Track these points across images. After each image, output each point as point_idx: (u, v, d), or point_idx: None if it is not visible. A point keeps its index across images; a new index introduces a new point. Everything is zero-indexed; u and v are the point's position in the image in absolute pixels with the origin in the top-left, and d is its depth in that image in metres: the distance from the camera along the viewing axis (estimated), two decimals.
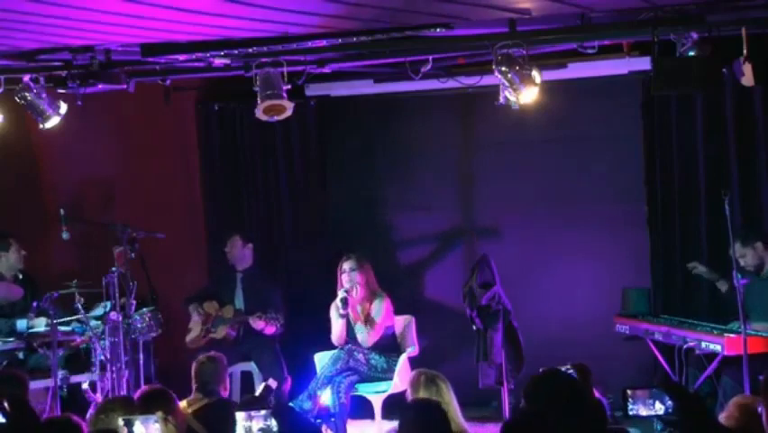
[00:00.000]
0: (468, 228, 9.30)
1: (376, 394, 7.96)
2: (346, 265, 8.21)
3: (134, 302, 7.65)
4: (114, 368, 7.56)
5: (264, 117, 7.34)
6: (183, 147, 9.65)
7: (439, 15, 6.28)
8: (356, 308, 8.17)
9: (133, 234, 7.73)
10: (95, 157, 9.65)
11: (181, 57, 7.05)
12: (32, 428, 4.43)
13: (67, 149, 9.33)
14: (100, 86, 7.13)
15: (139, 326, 7.83)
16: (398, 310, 8.42)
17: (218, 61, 7.19)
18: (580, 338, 8.40)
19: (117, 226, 7.78)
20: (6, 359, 7.68)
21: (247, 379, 8.65)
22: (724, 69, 7.17)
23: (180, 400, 5.54)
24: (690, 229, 8.41)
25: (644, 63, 7.86)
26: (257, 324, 8.32)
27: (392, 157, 9.42)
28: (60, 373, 7.54)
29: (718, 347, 7.20)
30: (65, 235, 7.65)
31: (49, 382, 7.47)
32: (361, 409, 8.16)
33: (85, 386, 7.79)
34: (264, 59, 7.14)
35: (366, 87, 8.89)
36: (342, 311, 8.07)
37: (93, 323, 7.76)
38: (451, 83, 8.32)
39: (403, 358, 8.07)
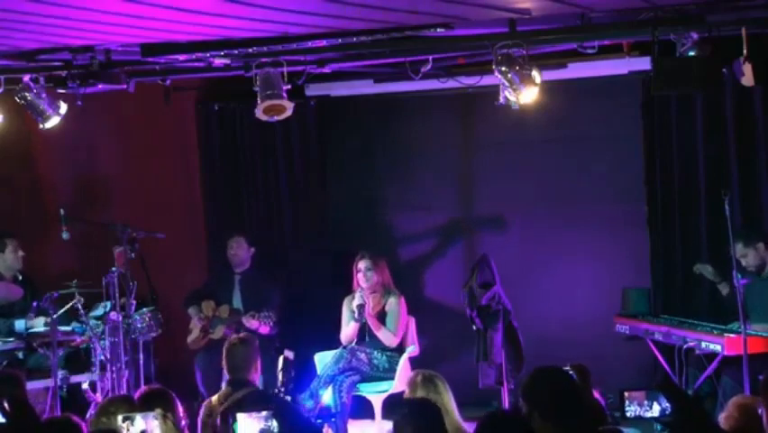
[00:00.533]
0: (468, 228, 9.30)
1: (378, 394, 7.95)
2: (362, 264, 8.18)
3: (134, 302, 7.66)
4: (114, 368, 7.57)
5: (264, 117, 7.34)
6: (183, 147, 9.65)
7: (439, 15, 6.28)
8: (371, 313, 8.14)
9: (133, 234, 7.73)
10: (95, 157, 9.66)
11: (181, 57, 7.05)
12: (33, 429, 4.42)
13: (67, 149, 9.33)
14: (100, 86, 7.13)
15: (139, 326, 7.84)
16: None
17: (218, 61, 7.19)
18: (580, 338, 8.40)
19: (117, 226, 7.78)
20: (6, 359, 7.69)
21: None
22: (724, 69, 7.17)
23: (181, 400, 5.53)
24: (690, 229, 8.41)
25: (644, 63, 7.86)
26: (250, 324, 8.32)
27: (392, 157, 9.42)
28: (60, 373, 7.54)
29: (718, 347, 7.20)
30: (65, 235, 7.66)
31: (49, 382, 7.47)
32: (362, 408, 8.16)
33: (85, 386, 7.79)
34: (264, 59, 7.14)
35: (366, 87, 8.89)
36: (357, 317, 8.05)
37: (93, 323, 7.76)
38: (451, 83, 8.32)
39: (404, 358, 8.07)
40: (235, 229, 9.05)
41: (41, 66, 7.23)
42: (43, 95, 7.42)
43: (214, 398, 6.29)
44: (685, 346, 7.48)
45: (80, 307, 7.64)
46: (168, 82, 7.93)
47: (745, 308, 7.10)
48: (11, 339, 7.79)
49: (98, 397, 7.63)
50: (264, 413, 5.34)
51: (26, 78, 7.34)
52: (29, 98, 7.39)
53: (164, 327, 8.10)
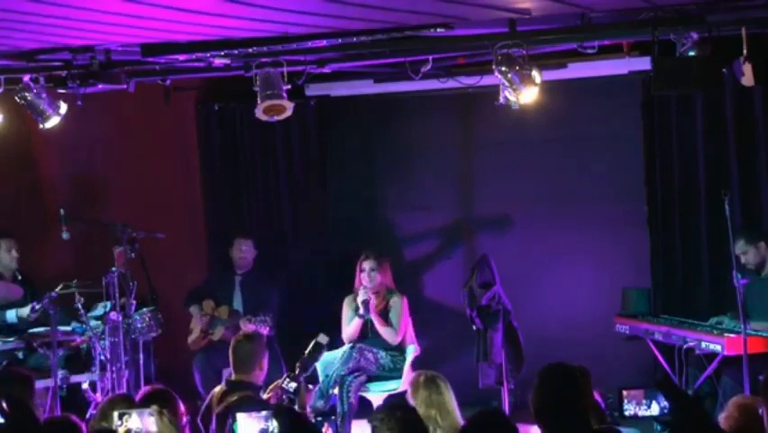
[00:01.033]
0: (468, 228, 9.30)
1: (383, 393, 7.94)
2: (366, 265, 8.18)
3: (134, 302, 7.66)
4: (114, 368, 7.57)
5: (264, 117, 7.33)
6: (183, 147, 9.65)
7: (439, 15, 6.28)
8: (375, 308, 8.15)
9: (133, 234, 7.73)
10: (95, 157, 9.66)
11: (181, 57, 7.05)
12: (32, 429, 4.42)
13: (67, 149, 9.33)
14: (100, 86, 7.12)
15: (139, 326, 7.84)
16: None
17: (218, 61, 7.19)
18: (580, 338, 8.40)
19: (117, 226, 7.78)
20: (6, 359, 7.69)
21: None
22: (724, 69, 7.17)
23: (181, 399, 5.54)
24: (690, 229, 8.41)
25: (644, 63, 7.86)
26: (247, 327, 8.30)
27: (392, 157, 9.42)
28: (60, 373, 7.54)
29: (718, 347, 7.21)
30: (65, 235, 7.66)
31: (49, 382, 7.47)
32: (362, 408, 8.15)
33: (85, 386, 7.80)
34: (264, 59, 7.13)
35: (366, 87, 8.88)
36: (362, 312, 8.05)
37: (93, 323, 7.76)
38: (451, 83, 8.32)
39: (410, 357, 8.08)
40: (239, 230, 9.04)
41: (41, 66, 7.22)
42: (43, 95, 7.42)
43: (217, 389, 6.27)
44: (685, 346, 7.48)
45: (80, 307, 7.64)
46: (168, 82, 7.92)
47: (745, 307, 7.10)
48: (11, 339, 7.79)
49: (98, 397, 7.64)
50: (264, 413, 5.34)
51: (26, 78, 7.34)
52: (29, 98, 7.39)
53: (164, 327, 8.10)
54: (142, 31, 6.19)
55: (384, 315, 8.16)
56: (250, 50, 6.90)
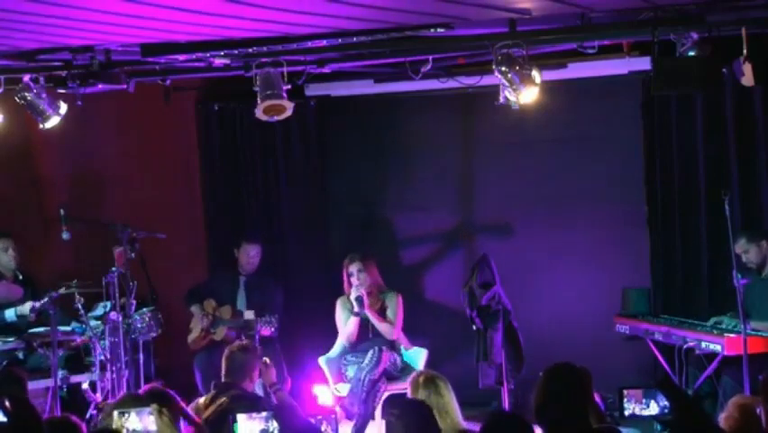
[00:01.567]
0: (468, 228, 9.30)
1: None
2: (353, 268, 8.21)
3: (134, 302, 7.65)
4: (114, 368, 7.57)
5: (264, 117, 7.33)
6: (183, 147, 9.65)
7: (439, 15, 6.28)
8: (371, 306, 8.16)
9: (133, 234, 7.73)
10: (95, 157, 9.66)
11: (181, 57, 7.05)
12: (34, 428, 4.42)
13: (67, 149, 9.33)
14: (100, 86, 7.12)
15: (139, 326, 7.84)
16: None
17: (218, 61, 7.19)
18: (580, 338, 8.40)
19: (117, 226, 7.78)
20: (6, 359, 7.69)
21: None
22: (724, 69, 7.17)
23: (181, 398, 5.54)
24: (690, 229, 8.41)
25: (644, 63, 7.86)
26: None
27: (392, 157, 9.42)
28: (60, 373, 7.54)
29: (718, 347, 7.21)
30: (65, 235, 7.65)
31: (49, 382, 7.47)
32: None
33: (85, 386, 7.79)
34: (264, 59, 7.13)
35: (366, 87, 8.89)
36: (357, 309, 8.06)
37: (93, 323, 7.76)
38: (451, 83, 8.32)
39: (423, 358, 8.12)
40: (245, 234, 8.95)
41: (41, 66, 7.22)
42: (43, 95, 7.42)
43: (201, 400, 6.30)
44: (685, 346, 7.48)
45: (80, 307, 7.63)
46: (168, 82, 7.92)
47: (745, 307, 7.10)
48: (11, 339, 7.79)
49: (98, 397, 7.64)
50: (264, 414, 5.35)
51: (26, 78, 7.34)
52: (29, 98, 7.38)
53: (164, 327, 8.10)
54: (142, 31, 6.19)
55: (381, 313, 8.18)
56: (250, 50, 6.90)
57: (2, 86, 7.35)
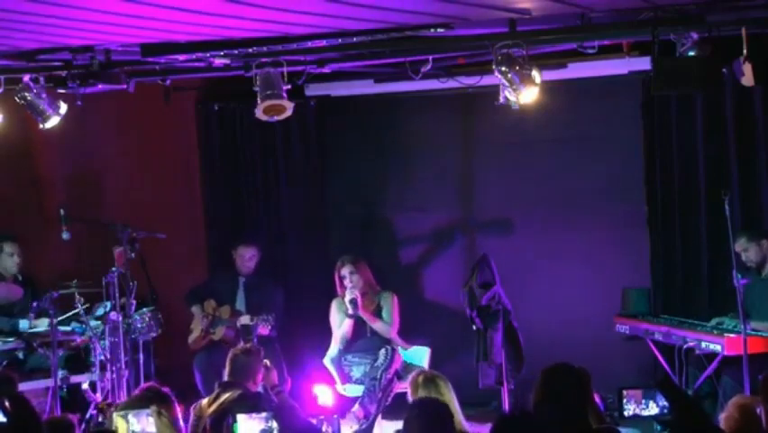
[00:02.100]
0: (468, 228, 9.30)
1: None
2: (345, 270, 8.25)
3: (134, 302, 7.66)
4: (114, 368, 7.57)
5: (264, 117, 7.33)
6: (183, 147, 9.65)
7: (439, 15, 6.28)
8: (365, 307, 8.18)
9: (133, 234, 7.73)
10: (95, 157, 9.66)
11: (181, 57, 7.05)
12: (34, 428, 4.43)
13: (67, 149, 9.32)
14: (100, 86, 7.13)
15: (139, 326, 7.84)
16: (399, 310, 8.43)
17: (218, 61, 7.19)
18: (580, 338, 8.40)
19: (117, 226, 7.78)
20: (6, 359, 7.69)
21: None
22: (724, 69, 7.17)
23: (180, 400, 5.55)
24: (690, 229, 8.41)
25: (644, 63, 7.86)
26: (241, 320, 8.34)
27: (392, 157, 9.41)
28: (60, 373, 7.54)
29: (718, 347, 7.21)
30: (65, 235, 7.66)
31: (49, 382, 7.47)
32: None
33: (85, 386, 7.79)
34: (264, 59, 7.14)
35: (366, 87, 8.88)
36: (351, 312, 8.08)
37: (93, 323, 7.76)
38: (451, 83, 8.31)
39: (426, 357, 8.14)
40: (241, 237, 8.96)
41: (41, 66, 7.22)
42: (43, 95, 7.42)
43: (204, 401, 6.31)
44: (685, 346, 7.48)
45: (80, 307, 7.63)
46: (168, 82, 7.92)
47: (745, 307, 7.10)
48: (11, 339, 7.79)
49: (98, 397, 7.64)
50: (264, 414, 5.36)
51: (26, 78, 7.34)
52: (29, 98, 7.38)
53: (164, 327, 8.10)
54: (142, 31, 6.19)
55: (377, 314, 8.20)
56: (250, 50, 6.90)
57: (2, 86, 7.35)
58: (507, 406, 7.53)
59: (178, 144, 9.69)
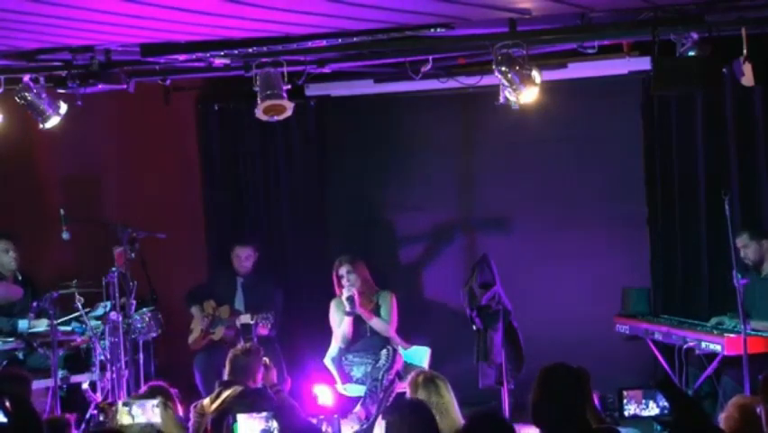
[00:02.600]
0: (468, 228, 9.30)
1: None
2: (342, 270, 8.28)
3: (134, 302, 7.66)
4: (114, 368, 7.57)
5: (264, 117, 7.34)
6: (183, 147, 9.65)
7: (439, 15, 6.28)
8: (363, 305, 8.19)
9: (133, 234, 7.73)
10: (95, 157, 9.65)
11: (181, 57, 7.05)
12: (34, 428, 4.43)
13: (67, 149, 9.32)
14: (100, 86, 7.13)
15: (139, 326, 7.84)
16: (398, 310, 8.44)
17: (218, 61, 7.19)
18: (580, 338, 8.40)
19: (117, 226, 7.78)
20: (6, 359, 7.68)
21: None
22: (724, 69, 7.17)
23: (180, 400, 5.55)
24: (690, 229, 8.41)
25: (644, 63, 7.87)
26: (240, 320, 8.35)
27: (392, 157, 9.41)
28: (60, 373, 7.54)
29: (718, 347, 7.21)
30: (65, 235, 7.65)
31: (49, 382, 7.47)
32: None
33: (85, 386, 7.79)
34: (264, 59, 7.14)
35: (366, 87, 8.88)
36: (349, 309, 8.09)
37: (93, 323, 7.76)
38: (451, 83, 8.32)
39: (427, 357, 8.14)
40: (237, 238, 8.98)
41: (41, 66, 7.23)
42: (43, 95, 7.42)
43: (206, 400, 6.32)
44: (685, 346, 7.48)
45: (80, 307, 7.63)
46: (168, 82, 7.93)
47: (745, 307, 7.10)
48: (11, 339, 7.79)
49: (98, 397, 7.63)
50: (264, 414, 5.36)
51: (26, 78, 7.34)
52: (29, 98, 7.38)
53: (164, 327, 8.10)
54: (142, 31, 6.19)
55: (375, 313, 8.22)
56: (250, 50, 6.90)
57: (2, 86, 7.35)
58: (506, 406, 7.53)
59: (178, 144, 9.69)
